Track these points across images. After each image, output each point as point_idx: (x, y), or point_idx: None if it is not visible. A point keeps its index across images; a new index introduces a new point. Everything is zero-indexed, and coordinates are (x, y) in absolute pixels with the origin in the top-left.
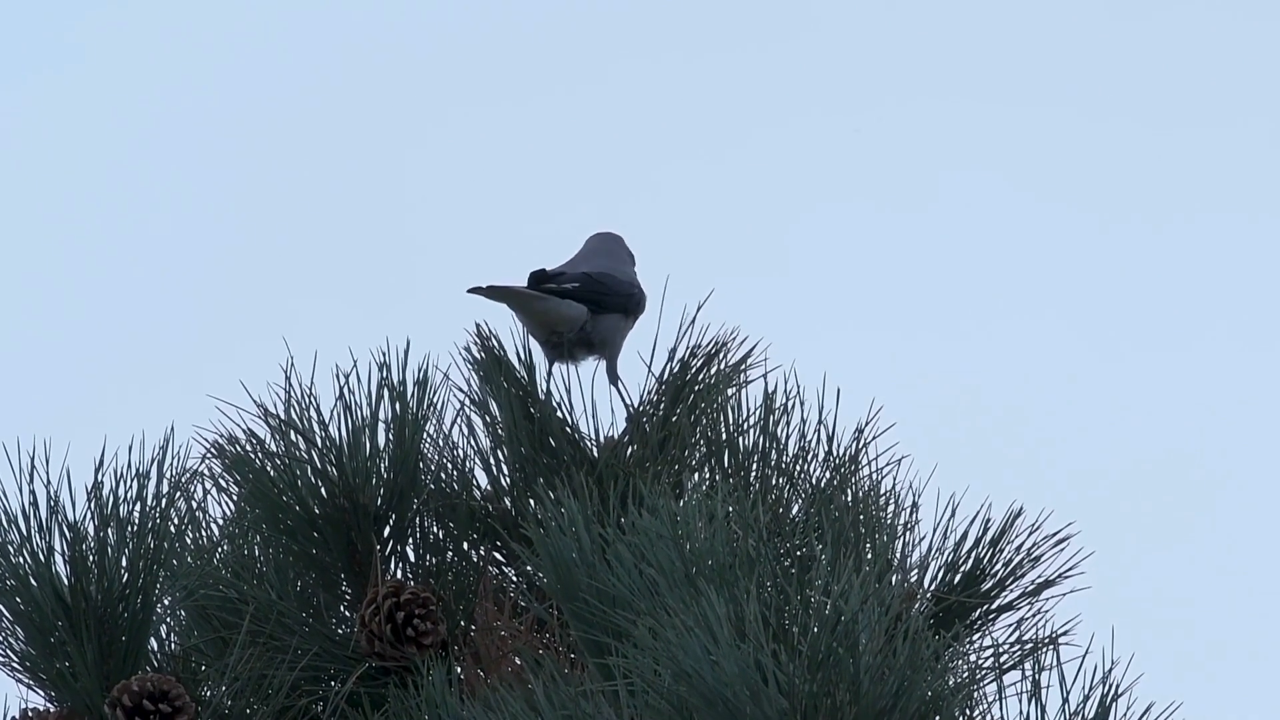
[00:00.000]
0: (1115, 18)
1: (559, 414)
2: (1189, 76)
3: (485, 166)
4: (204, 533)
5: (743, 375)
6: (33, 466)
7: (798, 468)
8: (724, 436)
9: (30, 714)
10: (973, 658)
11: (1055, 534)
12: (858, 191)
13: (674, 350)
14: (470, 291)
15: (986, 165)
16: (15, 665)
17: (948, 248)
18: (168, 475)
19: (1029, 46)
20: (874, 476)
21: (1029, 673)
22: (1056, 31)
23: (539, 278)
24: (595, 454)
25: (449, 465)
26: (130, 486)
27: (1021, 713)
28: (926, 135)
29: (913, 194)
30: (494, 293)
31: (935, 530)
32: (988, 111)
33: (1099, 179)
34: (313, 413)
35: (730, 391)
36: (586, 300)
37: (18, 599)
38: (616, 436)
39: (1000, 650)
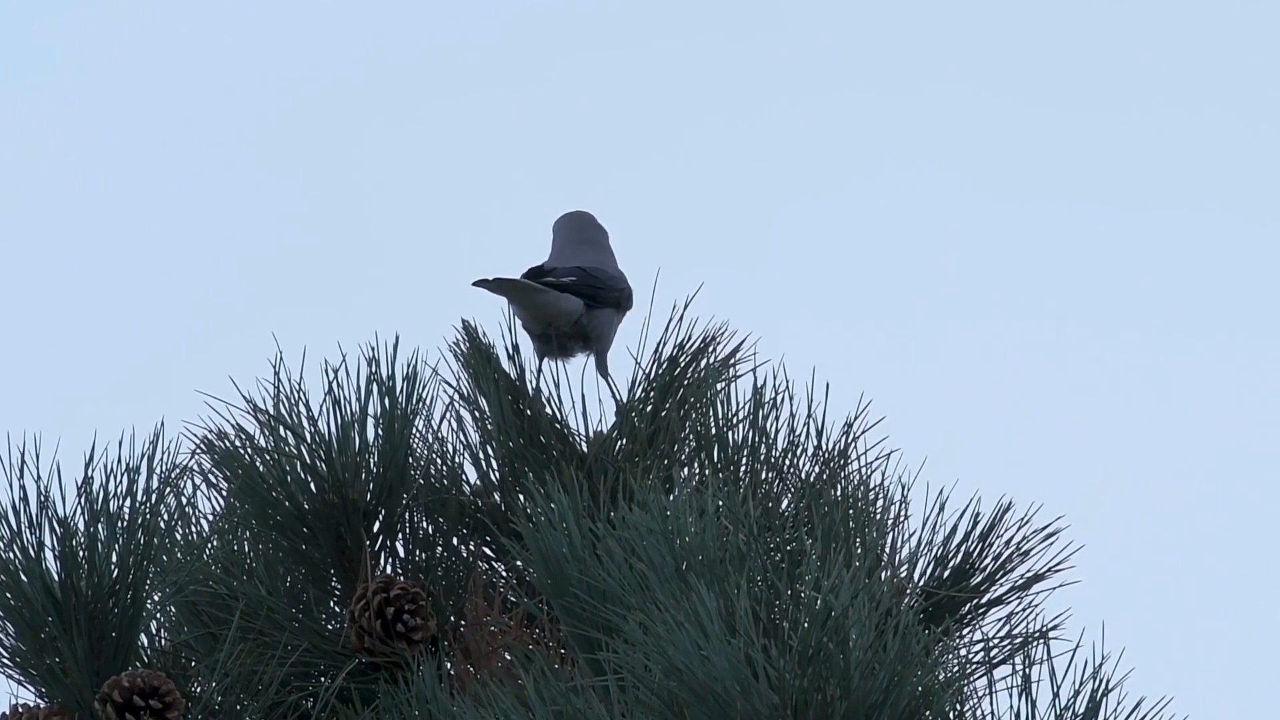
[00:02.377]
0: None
1: (549, 409)
2: (1172, 72)
3: (473, 160)
4: (194, 528)
5: (732, 369)
6: (23, 462)
7: (787, 462)
8: (713, 431)
9: (20, 710)
10: (963, 652)
11: (1044, 528)
12: (848, 183)
13: (662, 344)
14: (475, 284)
15: (979, 158)
16: (5, 661)
17: (938, 240)
18: (157, 471)
19: (1037, 44)
20: (863, 471)
21: (1019, 667)
22: (1057, 29)
23: (536, 272)
24: (585, 449)
25: (438, 460)
26: (120, 482)
27: (1011, 707)
28: (915, 127)
29: (901, 186)
30: (498, 285)
31: (925, 525)
32: (971, 105)
33: (1087, 173)
34: (302, 408)
35: (719, 386)
36: (583, 294)
37: (7, 594)
38: (606, 431)
39: (990, 645)
